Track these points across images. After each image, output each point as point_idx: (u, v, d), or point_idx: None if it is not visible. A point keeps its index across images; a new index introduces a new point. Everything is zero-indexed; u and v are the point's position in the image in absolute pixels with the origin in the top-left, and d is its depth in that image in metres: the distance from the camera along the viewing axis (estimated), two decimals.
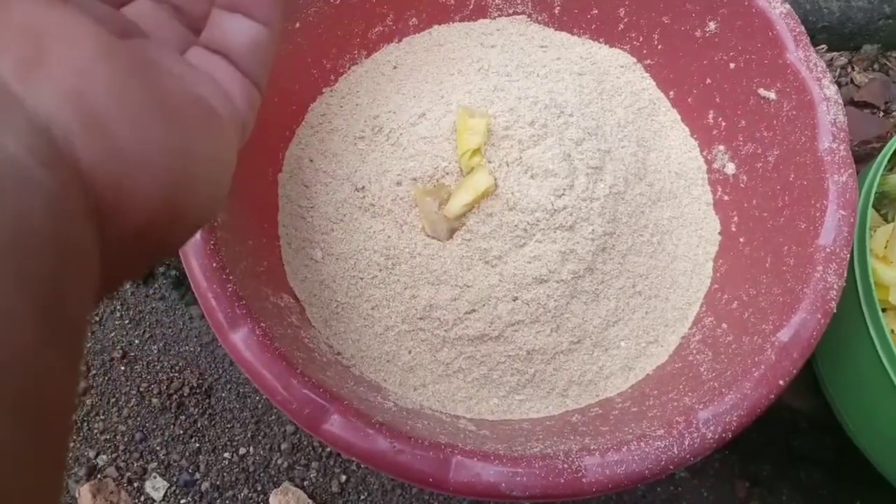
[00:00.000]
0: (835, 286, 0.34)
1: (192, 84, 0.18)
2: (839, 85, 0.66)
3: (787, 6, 0.41)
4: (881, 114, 0.63)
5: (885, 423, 0.39)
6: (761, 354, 0.33)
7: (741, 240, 0.43)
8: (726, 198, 0.46)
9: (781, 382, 0.32)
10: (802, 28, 0.41)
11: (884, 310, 0.40)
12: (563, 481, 0.29)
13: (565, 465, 0.30)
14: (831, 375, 0.44)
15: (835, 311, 0.34)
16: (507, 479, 0.29)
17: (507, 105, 0.42)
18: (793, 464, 0.57)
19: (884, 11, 0.66)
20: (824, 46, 0.68)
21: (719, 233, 0.45)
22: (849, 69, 0.67)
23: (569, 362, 0.40)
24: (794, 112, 0.40)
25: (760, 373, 0.32)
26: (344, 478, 0.62)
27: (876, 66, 0.68)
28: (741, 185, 0.44)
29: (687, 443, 0.30)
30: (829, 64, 0.67)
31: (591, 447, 0.31)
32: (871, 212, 0.41)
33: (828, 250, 0.35)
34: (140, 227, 0.15)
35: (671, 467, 0.30)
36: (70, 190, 0.12)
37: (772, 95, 0.42)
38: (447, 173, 0.41)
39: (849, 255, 0.35)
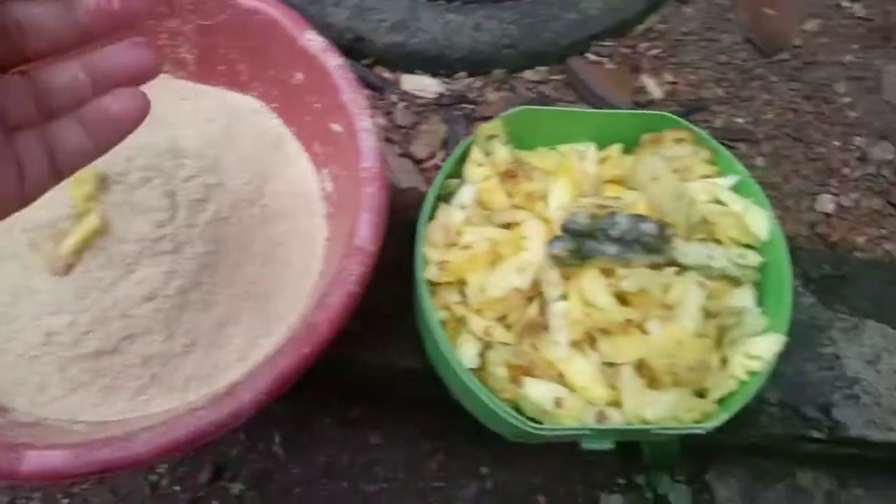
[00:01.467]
0: (356, 273, 0.45)
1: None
2: (476, 104, 0.81)
3: (341, 60, 0.53)
4: None
5: (444, 369, 0.51)
6: (301, 331, 0.43)
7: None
8: (332, 210, 0.56)
9: (306, 350, 0.42)
10: (353, 75, 0.53)
11: (437, 284, 0.52)
12: (121, 456, 0.38)
13: (123, 442, 0.38)
14: (423, 336, 0.56)
15: (357, 291, 0.45)
16: (69, 460, 0.37)
17: (125, 155, 0.50)
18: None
19: (505, 43, 0.82)
20: (464, 73, 0.82)
21: (326, 238, 0.56)
22: (483, 90, 0.82)
23: (185, 363, 0.48)
24: (349, 140, 0.51)
25: (290, 346, 0.42)
26: (66, 501, 0.67)
27: (507, 85, 0.83)
28: (335, 199, 0.55)
29: (226, 409, 0.40)
30: (468, 87, 0.82)
31: (149, 424, 0.39)
32: (429, 207, 0.54)
33: (359, 245, 0.46)
34: None
35: (212, 430, 0.39)
36: None
37: (338, 128, 0.53)
38: (66, 218, 0.48)
39: (375, 249, 0.47)
